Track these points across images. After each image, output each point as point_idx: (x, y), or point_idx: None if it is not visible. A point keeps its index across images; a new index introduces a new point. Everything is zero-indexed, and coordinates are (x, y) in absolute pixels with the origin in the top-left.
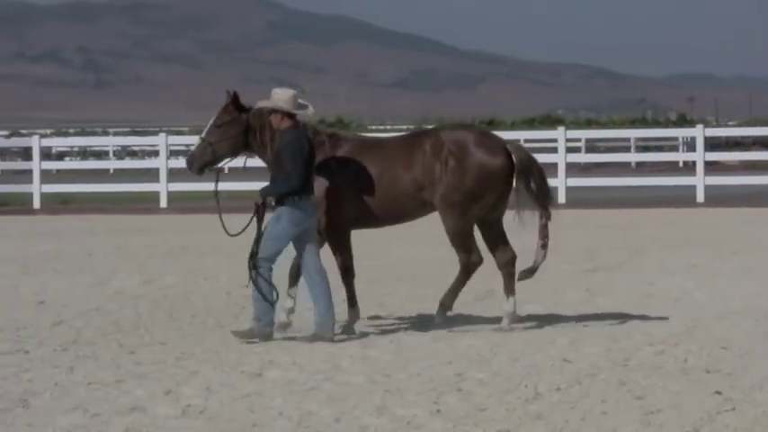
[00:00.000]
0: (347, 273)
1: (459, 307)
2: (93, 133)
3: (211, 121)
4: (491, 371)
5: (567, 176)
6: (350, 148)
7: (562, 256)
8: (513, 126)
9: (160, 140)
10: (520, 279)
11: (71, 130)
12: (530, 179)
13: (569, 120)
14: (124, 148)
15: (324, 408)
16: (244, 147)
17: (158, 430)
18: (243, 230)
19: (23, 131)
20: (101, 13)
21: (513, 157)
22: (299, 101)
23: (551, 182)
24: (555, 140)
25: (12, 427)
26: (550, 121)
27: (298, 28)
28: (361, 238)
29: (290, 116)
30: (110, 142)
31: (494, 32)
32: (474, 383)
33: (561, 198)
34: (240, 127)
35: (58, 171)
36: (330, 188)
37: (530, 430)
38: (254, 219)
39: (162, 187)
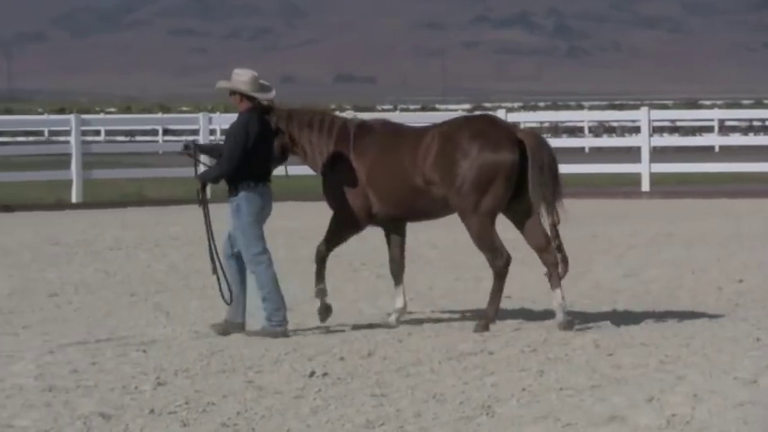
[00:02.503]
0: (323, 260)
1: None
2: (566, 107)
3: None
4: None
5: None
6: (375, 137)
7: None
8: None
9: (641, 115)
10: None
11: (541, 104)
12: (539, 168)
13: None
14: (601, 123)
15: None
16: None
17: None
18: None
19: (487, 104)
20: None
21: (525, 143)
22: (261, 82)
23: None
24: None
25: None
26: None
27: None
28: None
29: (250, 98)
30: (585, 117)
31: None
32: None
33: None
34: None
35: None
36: (346, 178)
37: None
38: (202, 206)
39: (644, 168)
